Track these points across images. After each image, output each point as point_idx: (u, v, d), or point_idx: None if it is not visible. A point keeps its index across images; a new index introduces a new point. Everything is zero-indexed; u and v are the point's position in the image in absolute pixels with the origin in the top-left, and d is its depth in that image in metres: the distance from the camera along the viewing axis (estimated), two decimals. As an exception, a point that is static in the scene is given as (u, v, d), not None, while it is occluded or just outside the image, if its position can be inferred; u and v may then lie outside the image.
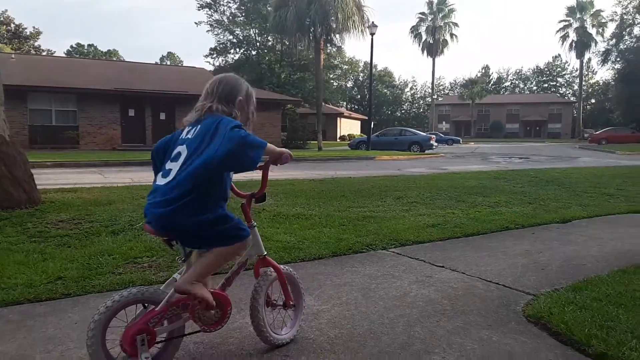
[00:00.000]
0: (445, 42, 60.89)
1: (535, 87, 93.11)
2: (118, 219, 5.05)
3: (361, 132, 52.03)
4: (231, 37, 48.48)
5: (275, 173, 12.90)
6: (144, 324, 1.89)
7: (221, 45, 48.95)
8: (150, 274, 3.34)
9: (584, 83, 68.02)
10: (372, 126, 28.00)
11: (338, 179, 10.20)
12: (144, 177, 10.62)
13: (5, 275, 3.19)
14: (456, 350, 2.26)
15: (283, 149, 2.08)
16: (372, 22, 26.08)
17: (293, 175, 11.33)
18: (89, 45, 76.64)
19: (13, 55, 28.03)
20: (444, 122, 74.03)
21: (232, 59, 49.35)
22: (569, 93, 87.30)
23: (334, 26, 26.64)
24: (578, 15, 57.46)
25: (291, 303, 2.36)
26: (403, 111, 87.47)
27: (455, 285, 3.23)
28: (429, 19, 61.29)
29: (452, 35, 61.01)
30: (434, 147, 27.23)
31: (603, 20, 54.35)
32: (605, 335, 2.32)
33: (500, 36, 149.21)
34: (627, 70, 38.85)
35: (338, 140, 47.77)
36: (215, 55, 50.18)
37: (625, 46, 40.66)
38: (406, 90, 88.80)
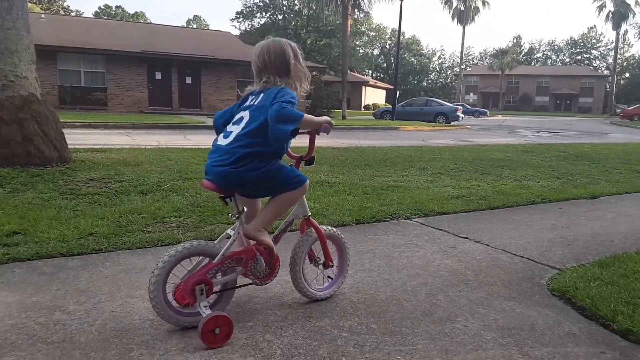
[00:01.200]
0: (476, 9, 59.00)
1: (567, 59, 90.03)
2: (146, 180, 5.16)
3: (386, 102, 51.34)
4: (257, 0, 47.84)
5: (298, 141, 12.83)
6: (203, 275, 2.03)
7: (247, 9, 48.47)
8: (178, 233, 3.42)
9: (619, 56, 65.36)
10: (397, 96, 27.57)
11: (362, 148, 10.15)
12: (171, 140, 10.76)
13: (39, 230, 3.30)
14: (479, 320, 2.27)
15: (323, 118, 2.18)
16: (402, -13, 25.34)
17: (317, 143, 11.26)
18: (117, 7, 76.66)
19: (43, 15, 28.22)
20: (471, 93, 72.42)
21: (258, 23, 48.91)
22: (603, 66, 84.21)
23: (363, -10, 26.01)
24: (617, -15, 54.83)
25: (330, 263, 2.45)
26: (430, 81, 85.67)
27: (479, 256, 3.23)
28: (462, -16, 59.24)
29: (483, 2, 59.02)
30: (460, 118, 26.74)
31: (644, -10, 51.80)
32: (631, 312, 2.30)
33: (534, 5, 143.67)
34: (667, 44, 37.04)
35: (362, 109, 47.31)
36: (241, 19, 49.79)
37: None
38: (434, 59, 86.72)
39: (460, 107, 29.97)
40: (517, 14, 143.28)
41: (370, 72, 74.72)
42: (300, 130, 2.09)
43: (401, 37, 31.02)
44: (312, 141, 2.31)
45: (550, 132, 20.31)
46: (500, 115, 44.75)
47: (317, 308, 2.35)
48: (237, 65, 25.30)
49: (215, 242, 2.22)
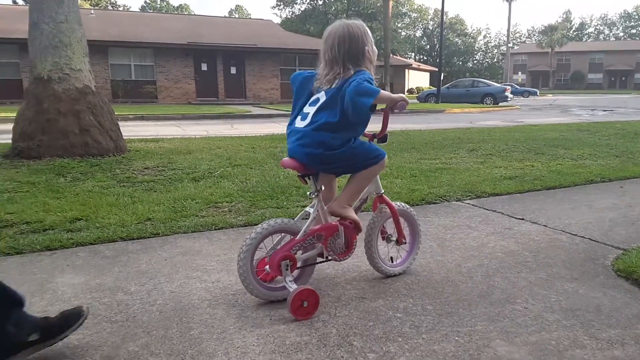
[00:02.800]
0: (524, -15, 56.51)
1: (622, 34, 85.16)
2: (198, 167, 5.28)
3: (430, 85, 50.29)
4: (298, -15, 47.75)
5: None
6: (287, 250, 2.12)
7: (288, -4, 48.41)
8: (230, 217, 3.48)
9: (683, 27, 61.11)
10: (441, 78, 26.93)
11: (407, 131, 9.99)
12: (219, 129, 10.97)
13: (99, 216, 3.45)
14: (540, 301, 2.20)
15: (399, 95, 2.12)
16: (446, -34, 24.59)
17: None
18: (161, 0, 78.42)
19: (92, 11, 29.23)
20: (519, 73, 69.77)
21: (299, 9, 48.77)
22: (664, 39, 78.98)
23: (405, -29, 25.41)
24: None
25: (403, 240, 2.50)
26: (475, 62, 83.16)
27: (536, 237, 3.12)
28: (508, -41, 56.94)
29: (532, -24, 56.45)
30: (509, 99, 25.84)
31: None
32: None
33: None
34: None
35: (406, 93, 46.51)
36: (282, 6, 49.81)
37: None
38: (479, 39, 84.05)
39: (509, 87, 28.98)
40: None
41: (413, 54, 73.28)
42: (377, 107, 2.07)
43: (444, 17, 30.18)
44: (385, 119, 2.27)
45: (605, 110, 19.32)
46: (551, 95, 42.96)
47: (370, 289, 2.33)
48: (280, 54, 25.42)
49: (295, 219, 2.29)
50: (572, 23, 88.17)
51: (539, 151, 6.78)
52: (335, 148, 2.08)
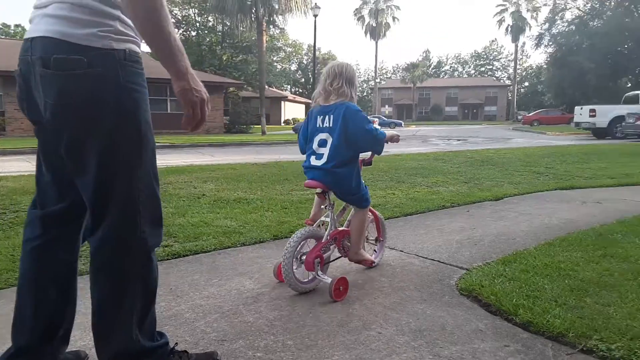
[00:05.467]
0: (387, 25, 61.78)
1: (473, 71, 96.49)
2: (47, 208, 4.79)
3: (306, 116, 51.86)
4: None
5: (216, 158, 12.70)
6: (318, 251, 2.76)
7: (158, 26, 47.06)
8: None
9: (518, 67, 71.12)
10: (316, 110, 27.97)
11: (281, 162, 10.16)
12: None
13: None
14: (392, 325, 2.32)
15: (393, 132, 2.96)
16: (315, 4, 25.96)
17: (235, 160, 11.19)
18: (16, 26, 71.56)
19: None
20: (387, 106, 75.31)
21: (171, 40, 47.63)
22: (505, 76, 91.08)
23: (277, 7, 26.28)
24: (514, 0, 59.76)
25: (380, 238, 3.32)
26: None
27: (392, 263, 3.31)
28: (372, 1, 61.79)
29: (394, 18, 62.01)
30: (377, 130, 27.56)
31: (537, 5, 56.87)
32: (531, 305, 2.44)
33: (440, 21, 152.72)
34: (558, 54, 40.64)
35: (282, 124, 47.53)
36: (152, 36, 48.20)
37: (557, 30, 42.37)
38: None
39: (377, 119, 31.04)
40: (426, 29, 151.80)
41: (289, 87, 75.40)
42: None
43: (317, 52, 31.65)
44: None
45: (459, 140, 21.51)
46: (414, 126, 46.81)
47: (231, 330, 2.27)
48: (149, 84, 24.43)
49: (314, 226, 2.91)
50: (431, 61, 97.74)
51: (400, 180, 7.29)
52: (346, 180, 2.84)
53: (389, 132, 2.88)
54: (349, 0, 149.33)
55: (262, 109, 26.65)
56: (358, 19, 62.39)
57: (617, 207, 5.22)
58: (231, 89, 32.30)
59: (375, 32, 61.23)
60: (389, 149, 3.23)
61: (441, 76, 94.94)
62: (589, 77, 35.59)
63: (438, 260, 3.34)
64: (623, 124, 19.55)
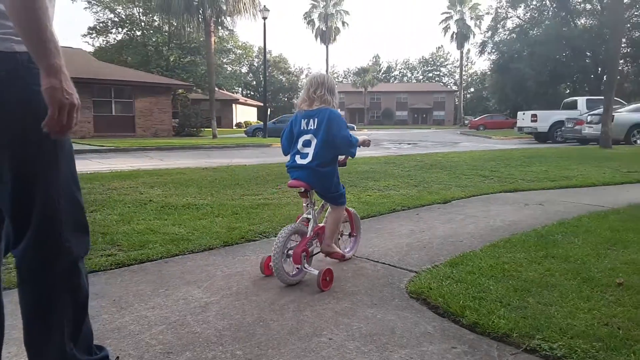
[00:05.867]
0: (337, 30, 62.34)
1: (421, 77, 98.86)
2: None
3: (258, 119, 51.61)
4: (112, 15, 45.16)
5: (165, 162, 12.37)
6: (305, 245, 2.97)
7: (101, 24, 45.36)
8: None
9: (464, 73, 73.56)
10: (268, 113, 27.93)
11: (232, 167, 10.02)
12: None
13: None
14: (343, 331, 2.31)
15: (365, 137, 3.28)
16: (264, 6, 25.84)
17: (185, 164, 10.94)
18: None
19: None
20: (339, 110, 75.70)
21: (114, 39, 46.08)
22: (451, 82, 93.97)
23: (225, 8, 25.95)
24: (458, 8, 61.85)
25: (354, 234, 3.59)
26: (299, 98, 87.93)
27: (345, 267, 3.32)
28: (321, 5, 62.24)
29: (343, 22, 62.67)
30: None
31: (480, 13, 59.04)
32: (477, 306, 2.50)
33: (389, 26, 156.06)
34: (501, 61, 42.28)
35: (234, 127, 47.01)
36: (94, 35, 46.47)
37: (499, 38, 44.18)
38: (302, 77, 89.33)
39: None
40: (375, 34, 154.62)
41: (240, 89, 74.66)
42: None
43: (268, 56, 31.54)
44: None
45: (410, 144, 21.98)
46: (366, 130, 47.36)
47: (178, 342, 2.20)
48: (93, 85, 23.66)
49: (297, 223, 3.10)
50: (381, 66, 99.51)
51: (352, 183, 7.35)
52: (327, 178, 3.14)
53: (361, 137, 3.19)
54: (299, 4, 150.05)
55: (212, 112, 26.22)
56: (308, 23, 62.70)
57: (558, 209, 5.46)
58: (180, 90, 31.53)
59: (326, 36, 61.67)
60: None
61: (391, 81, 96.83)
62: (530, 84, 37.27)
63: (388, 264, 3.38)
64: (563, 128, 20.61)
